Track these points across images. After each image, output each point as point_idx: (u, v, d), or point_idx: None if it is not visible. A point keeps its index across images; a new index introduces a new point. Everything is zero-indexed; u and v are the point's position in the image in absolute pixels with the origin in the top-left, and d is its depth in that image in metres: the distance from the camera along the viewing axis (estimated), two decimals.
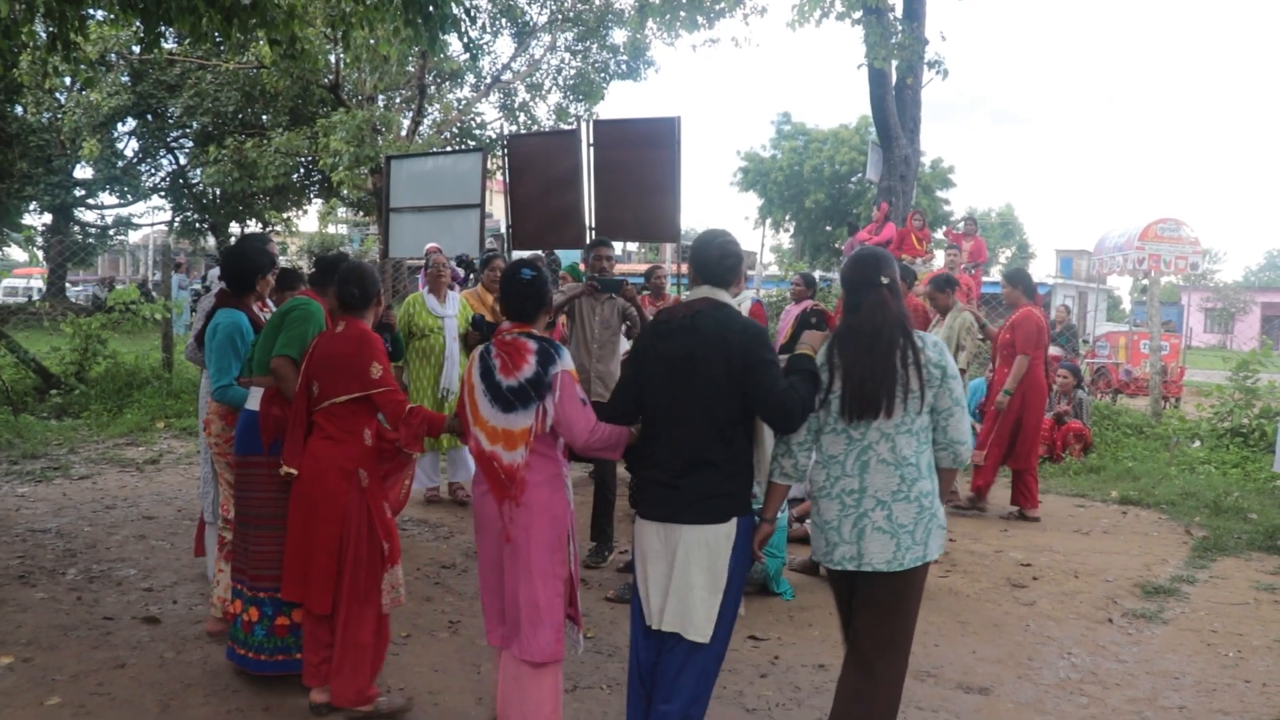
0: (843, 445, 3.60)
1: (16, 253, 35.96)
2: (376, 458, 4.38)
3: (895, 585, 3.60)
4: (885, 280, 3.65)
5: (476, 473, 3.99)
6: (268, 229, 33.03)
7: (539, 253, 9.92)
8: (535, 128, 24.20)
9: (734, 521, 3.60)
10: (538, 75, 25.06)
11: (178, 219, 31.46)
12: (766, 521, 3.76)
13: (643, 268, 14.25)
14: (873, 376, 3.52)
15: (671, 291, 9.39)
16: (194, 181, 29.08)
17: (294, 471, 4.30)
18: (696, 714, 3.67)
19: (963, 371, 8.10)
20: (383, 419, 4.39)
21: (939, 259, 15.88)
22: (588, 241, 10.47)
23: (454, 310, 7.96)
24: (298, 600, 4.36)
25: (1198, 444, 11.20)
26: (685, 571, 3.58)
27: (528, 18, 24.10)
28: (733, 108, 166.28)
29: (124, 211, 31.88)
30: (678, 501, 3.61)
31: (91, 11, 8.56)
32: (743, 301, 8.64)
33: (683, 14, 17.10)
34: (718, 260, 3.74)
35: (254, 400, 4.64)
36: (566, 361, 3.84)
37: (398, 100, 23.96)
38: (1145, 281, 16.02)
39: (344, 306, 4.43)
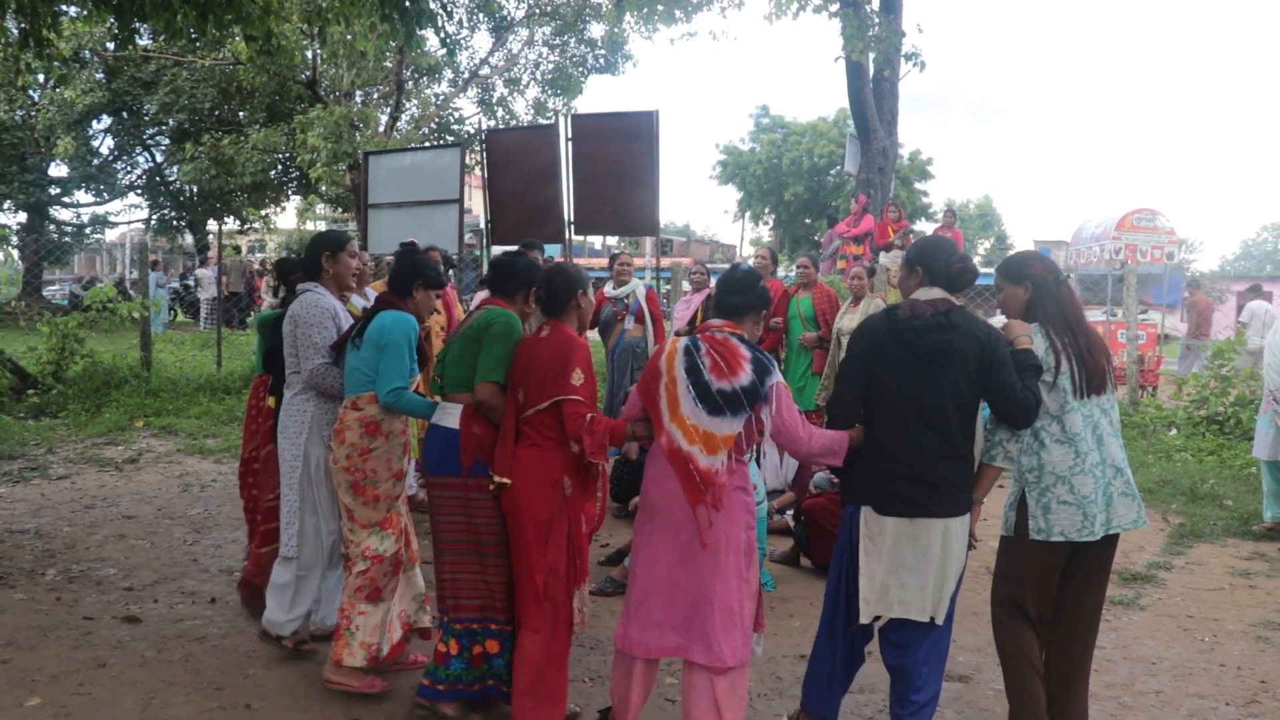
0: (1081, 423, 3.86)
1: None
2: (582, 466, 4.09)
3: (1114, 546, 4.03)
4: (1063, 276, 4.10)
5: (657, 470, 3.89)
6: (246, 226, 32.88)
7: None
8: (513, 123, 24.14)
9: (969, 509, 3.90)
10: (515, 70, 25.00)
11: (155, 217, 31.22)
12: (978, 503, 3.97)
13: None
14: (1097, 352, 3.92)
15: (648, 284, 9.28)
16: (171, 179, 28.88)
17: (507, 481, 4.01)
18: (938, 694, 3.98)
19: None
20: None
21: None
22: (566, 236, 10.51)
23: None
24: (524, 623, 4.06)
25: (1174, 432, 11.29)
26: (944, 560, 3.80)
27: (505, 12, 24.03)
28: (711, 101, 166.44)
29: (100, 209, 31.65)
30: (933, 495, 3.78)
31: (64, 7, 8.50)
32: (636, 287, 8.67)
33: (660, 8, 17.15)
34: (959, 274, 3.94)
35: (450, 418, 4.22)
36: (778, 373, 3.85)
37: (375, 96, 23.87)
38: (1122, 271, 16.11)
39: (542, 309, 4.24)
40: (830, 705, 4.07)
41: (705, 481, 3.72)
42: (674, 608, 3.81)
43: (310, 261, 5.04)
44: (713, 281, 10.55)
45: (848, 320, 8.14)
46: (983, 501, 3.99)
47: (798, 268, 9.42)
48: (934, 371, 3.76)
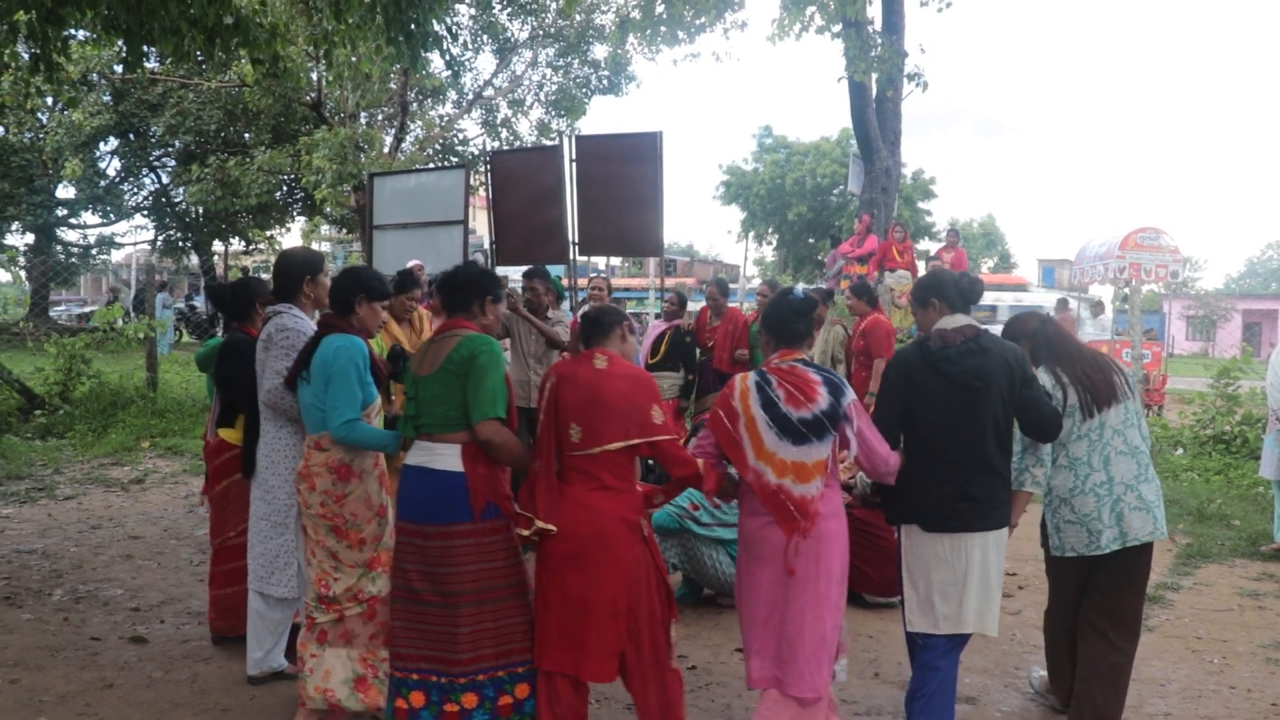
0: (1085, 448, 4.29)
1: None
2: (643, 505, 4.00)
3: (1146, 557, 4.37)
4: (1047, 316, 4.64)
5: (751, 504, 3.90)
6: (251, 247, 32.98)
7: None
8: (517, 143, 24.25)
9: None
10: (519, 91, 25.15)
11: (160, 238, 31.32)
12: (1012, 526, 4.20)
13: (630, 282, 14.31)
14: (1099, 368, 4.34)
15: (652, 307, 9.31)
16: (177, 200, 29.01)
17: (552, 529, 3.80)
18: None
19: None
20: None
21: (922, 271, 15.97)
22: (570, 256, 10.53)
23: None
24: (569, 670, 3.85)
25: (1181, 451, 11.26)
26: (988, 574, 4.02)
27: (509, 34, 24.18)
28: (714, 122, 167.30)
29: (106, 231, 31.74)
30: (974, 511, 4.00)
31: (74, 32, 8.56)
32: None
33: (663, 29, 17.19)
34: (970, 287, 4.21)
35: (443, 460, 3.90)
36: (851, 391, 3.88)
37: (380, 117, 23.97)
38: (1127, 290, 16.11)
39: (583, 337, 4.07)
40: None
41: (801, 511, 3.76)
42: (770, 638, 3.84)
43: (289, 283, 4.73)
44: (691, 307, 10.62)
45: (815, 345, 8.26)
46: (1015, 524, 4.22)
47: (757, 295, 9.66)
48: (972, 395, 3.96)
